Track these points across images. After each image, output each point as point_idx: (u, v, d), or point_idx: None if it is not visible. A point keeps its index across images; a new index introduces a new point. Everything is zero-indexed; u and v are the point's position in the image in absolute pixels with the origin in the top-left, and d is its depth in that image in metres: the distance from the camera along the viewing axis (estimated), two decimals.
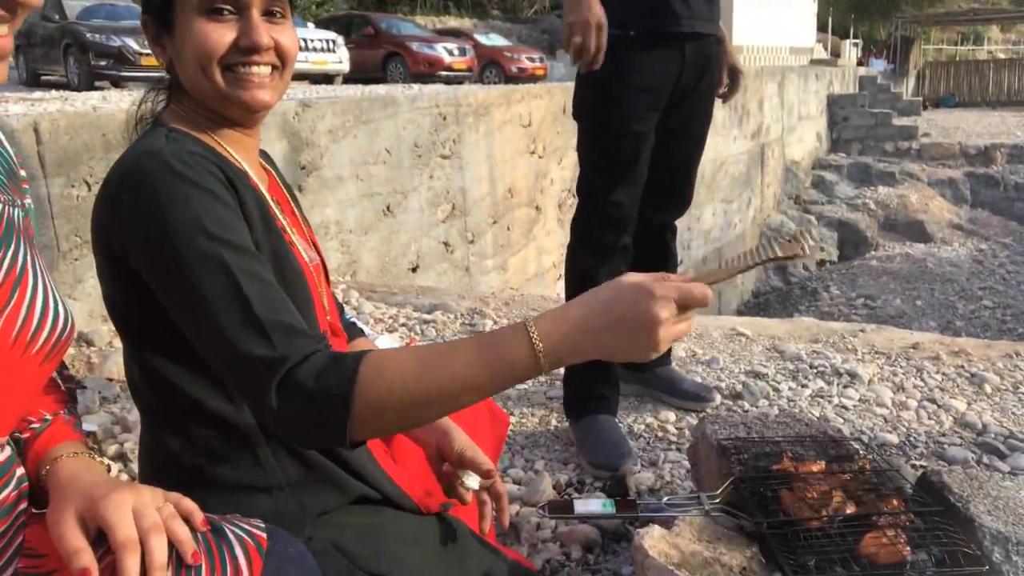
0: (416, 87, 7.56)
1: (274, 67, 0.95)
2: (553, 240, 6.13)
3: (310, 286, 0.97)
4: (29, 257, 0.72)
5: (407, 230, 4.56)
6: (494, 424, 1.38)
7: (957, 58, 28.32)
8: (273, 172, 1.09)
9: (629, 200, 2.00)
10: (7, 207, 0.73)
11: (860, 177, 14.08)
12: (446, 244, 4.88)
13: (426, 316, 3.29)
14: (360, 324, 2.71)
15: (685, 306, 0.76)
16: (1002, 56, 29.38)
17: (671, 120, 2.02)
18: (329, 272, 1.12)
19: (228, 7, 0.91)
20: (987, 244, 12.12)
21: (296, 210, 1.09)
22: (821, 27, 32.37)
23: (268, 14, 0.93)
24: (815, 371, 2.52)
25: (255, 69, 0.93)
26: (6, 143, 0.81)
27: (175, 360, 0.90)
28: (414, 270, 4.62)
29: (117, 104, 5.17)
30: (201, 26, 0.90)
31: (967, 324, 9.19)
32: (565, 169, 6.21)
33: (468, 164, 5.05)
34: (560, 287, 6.11)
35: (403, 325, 3.23)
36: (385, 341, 2.94)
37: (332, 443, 0.79)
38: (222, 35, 0.90)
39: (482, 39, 17.13)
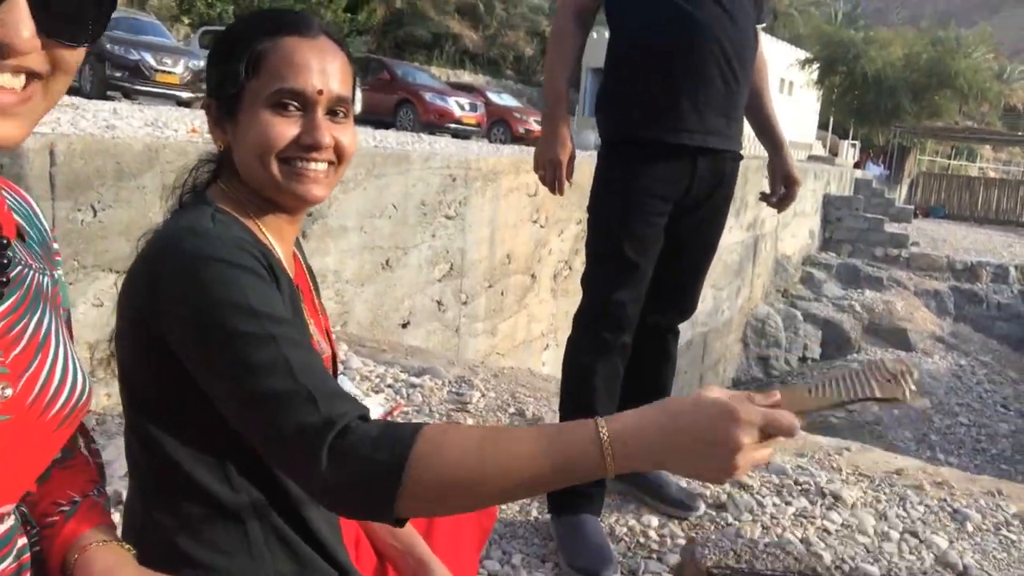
0: (427, 142, 7.66)
1: (330, 163, 0.96)
2: (545, 309, 6.14)
3: None
4: (54, 325, 0.73)
5: (403, 285, 4.56)
6: (480, 515, 1.35)
7: (950, 171, 29.13)
8: (301, 259, 1.09)
9: (631, 300, 2.02)
10: (37, 274, 0.74)
11: (848, 278, 14.33)
12: (439, 303, 4.88)
13: (414, 379, 3.26)
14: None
15: (768, 433, 0.72)
16: (993, 175, 30.29)
17: (681, 227, 2.04)
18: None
19: (295, 104, 0.92)
20: (967, 360, 12.28)
21: (316, 298, 1.10)
22: (822, 125, 33.33)
23: (331, 113, 0.95)
24: (799, 488, 2.51)
25: (313, 165, 0.94)
26: (42, 217, 0.82)
27: (181, 437, 0.89)
28: (405, 326, 4.60)
29: (129, 122, 5.21)
30: (266, 118, 0.92)
31: (942, 439, 9.24)
32: (564, 241, 6.26)
33: (471, 226, 5.08)
34: (546, 357, 6.09)
35: (389, 386, 3.20)
36: (370, 403, 2.91)
37: (378, 516, 0.76)
38: (286, 130, 0.92)
39: (493, 97, 17.48)
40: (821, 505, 2.41)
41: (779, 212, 2.32)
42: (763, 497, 2.42)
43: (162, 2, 18.07)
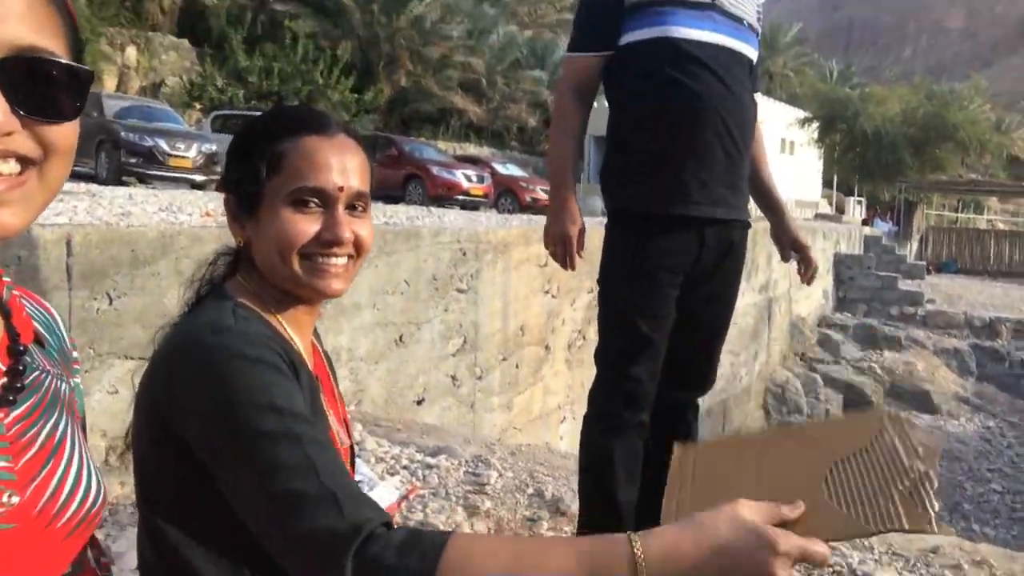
0: (436, 215, 7.75)
1: (350, 256, 0.97)
2: (560, 381, 6.07)
3: None
4: (69, 430, 0.71)
5: (417, 361, 4.53)
6: None
7: (959, 224, 29.18)
8: (319, 348, 1.09)
9: (647, 376, 1.98)
10: (55, 379, 0.73)
11: (866, 339, 14.16)
12: (454, 378, 4.83)
13: (430, 459, 3.19)
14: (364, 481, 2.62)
15: (801, 562, 0.74)
16: (1002, 226, 30.30)
17: (693, 299, 2.02)
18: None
19: (315, 200, 0.93)
20: (994, 422, 11.99)
21: (335, 387, 1.09)
22: (826, 183, 33.65)
23: (350, 208, 0.96)
24: (831, 571, 2.40)
25: (333, 260, 0.95)
26: (62, 326, 0.82)
27: (195, 537, 0.87)
28: (420, 403, 4.54)
29: (143, 207, 5.29)
30: (287, 215, 0.92)
31: (976, 508, 8.94)
32: (577, 311, 6.24)
33: (483, 299, 5.08)
34: (563, 430, 5.99)
35: (405, 468, 3.13)
36: (386, 486, 2.84)
37: None
38: (306, 227, 0.93)
39: (500, 168, 17.78)
40: None
41: (809, 284, 2.30)
42: None
43: (174, 89, 18.65)
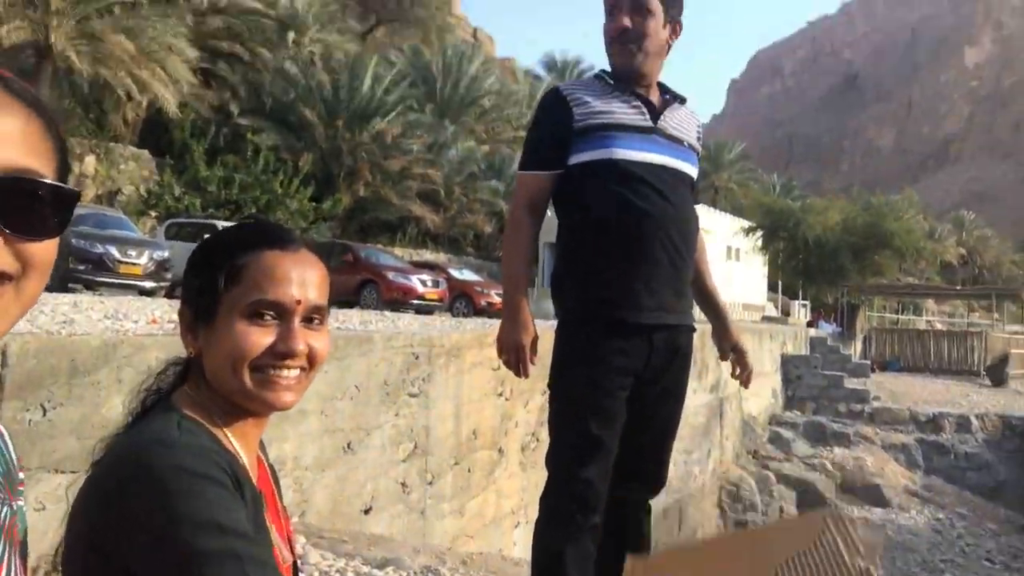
0: (391, 319, 7.76)
1: (302, 368, 0.96)
2: (514, 484, 5.97)
3: None
4: (7, 556, 0.69)
5: (365, 468, 4.43)
6: None
7: (899, 325, 30.18)
8: (265, 462, 1.08)
9: (598, 478, 1.99)
10: None
11: (816, 436, 14.34)
12: (404, 485, 4.72)
13: (376, 572, 3.08)
14: None
15: None
16: (940, 327, 31.42)
17: (643, 400, 2.07)
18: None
19: (271, 313, 0.94)
20: (944, 513, 12.10)
21: (279, 502, 1.08)
22: (771, 287, 34.75)
23: (307, 320, 0.97)
24: None
25: (285, 372, 0.94)
26: (10, 445, 0.80)
27: None
28: (367, 511, 4.41)
29: (88, 315, 5.20)
30: (242, 328, 0.92)
31: None
32: (530, 412, 6.22)
33: (435, 403, 5.03)
34: (517, 535, 5.84)
35: None
36: None
37: None
38: (260, 338, 0.93)
39: (455, 273, 17.99)
40: None
41: (745, 386, 2.38)
42: None
43: (130, 198, 18.67)
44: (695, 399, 10.16)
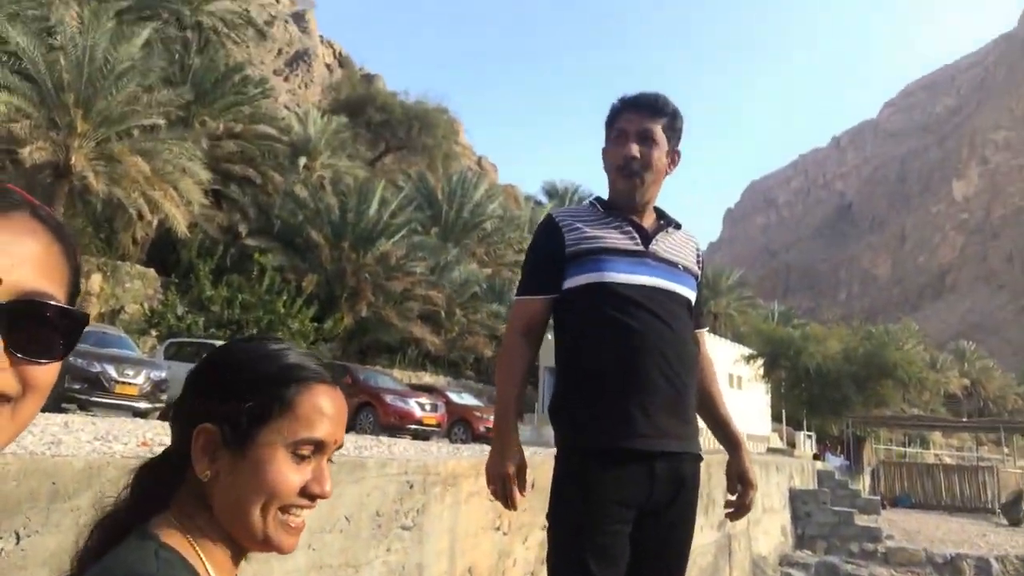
0: (386, 444, 7.56)
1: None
2: None
3: None
4: None
5: None
6: None
7: (907, 458, 29.50)
8: None
9: None
10: None
11: None
12: None
13: None
14: None
15: None
16: (948, 460, 30.71)
17: (647, 536, 1.95)
18: None
19: (310, 450, 0.91)
20: None
21: None
22: (775, 417, 34.24)
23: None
24: None
25: (303, 513, 0.91)
26: None
27: None
28: None
29: (77, 436, 5.06)
30: (286, 465, 0.88)
31: None
32: (530, 550, 5.92)
33: (429, 537, 4.80)
34: None
35: None
36: None
37: None
38: (298, 478, 0.89)
39: (454, 397, 17.78)
40: None
41: (732, 520, 2.26)
42: None
43: (133, 316, 18.77)
44: (702, 537, 9.72)
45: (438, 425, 14.79)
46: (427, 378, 23.21)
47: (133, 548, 0.84)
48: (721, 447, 2.29)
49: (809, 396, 27.54)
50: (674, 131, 2.15)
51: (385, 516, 4.46)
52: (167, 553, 0.83)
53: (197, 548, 0.88)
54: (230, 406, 0.90)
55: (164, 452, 0.97)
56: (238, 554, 0.92)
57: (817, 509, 16.05)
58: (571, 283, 2.06)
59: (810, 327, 31.78)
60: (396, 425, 13.79)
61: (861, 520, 15.78)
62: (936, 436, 38.73)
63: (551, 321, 2.16)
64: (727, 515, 2.23)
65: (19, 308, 0.62)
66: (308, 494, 0.89)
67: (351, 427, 13.48)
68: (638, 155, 2.08)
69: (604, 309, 1.99)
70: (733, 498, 2.21)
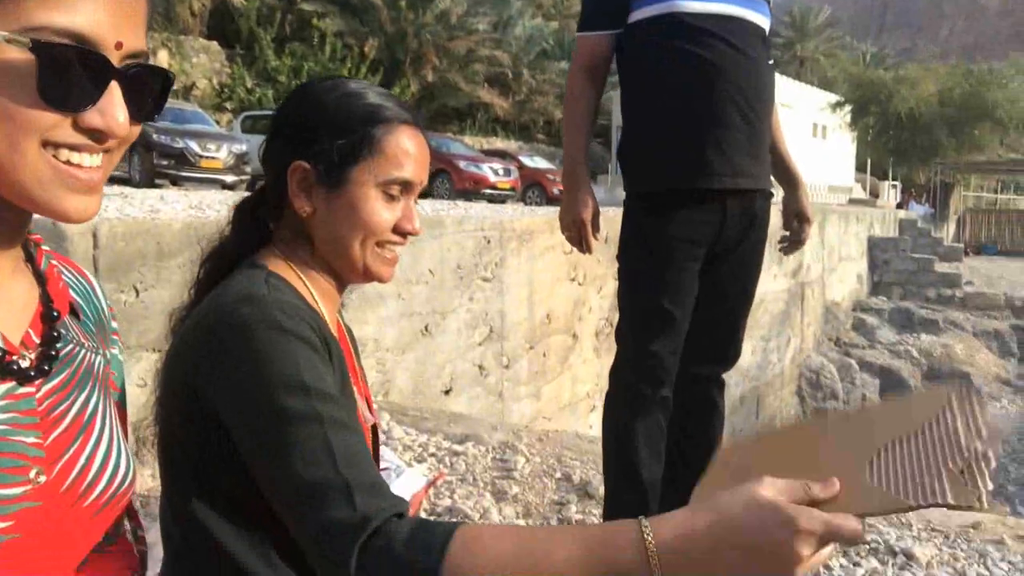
0: (462, 207, 7.75)
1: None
2: (589, 369, 6.04)
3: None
4: (101, 406, 0.71)
5: (443, 351, 4.53)
6: None
7: (998, 206, 28.44)
8: (342, 324, 1.08)
9: (668, 352, 1.95)
10: (89, 353, 0.73)
11: (902, 323, 13.87)
12: (481, 367, 4.83)
13: (457, 447, 3.19)
14: (392, 468, 2.62)
15: (829, 540, 0.67)
16: None
17: (716, 273, 1.99)
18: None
19: (399, 189, 0.96)
20: None
21: (357, 363, 1.08)
22: (859, 167, 33.05)
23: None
24: (868, 548, 2.35)
25: (397, 249, 0.98)
26: (101, 295, 0.81)
27: (219, 511, 0.86)
28: (447, 392, 4.55)
29: (173, 206, 5.36)
30: (378, 202, 0.94)
31: (1020, 490, 8.73)
32: (604, 298, 6.20)
33: (508, 288, 5.06)
34: (592, 419, 5.96)
35: (432, 455, 3.13)
36: (413, 474, 2.84)
37: None
38: (390, 215, 0.95)
39: (527, 161, 17.75)
40: (893, 565, 2.25)
41: (786, 255, 2.26)
42: (829, 559, 2.27)
43: (204, 91, 18.91)
44: (774, 284, 9.91)
45: (512, 189, 14.96)
46: (498, 143, 23.08)
47: (245, 275, 0.90)
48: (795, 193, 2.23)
49: (897, 143, 26.16)
50: None
51: (466, 269, 4.69)
52: (275, 279, 0.90)
53: (303, 277, 0.95)
54: (321, 144, 0.93)
55: (259, 189, 1.02)
56: (341, 285, 0.99)
57: (896, 257, 15.96)
58: (638, 15, 1.90)
59: (904, 69, 29.39)
60: (471, 190, 14.01)
61: (941, 267, 15.68)
62: None
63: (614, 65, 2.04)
64: (780, 249, 2.23)
65: (133, 71, 0.63)
66: (400, 231, 0.95)
67: (426, 194, 13.80)
68: None
69: (675, 41, 1.86)
70: (787, 233, 2.20)
